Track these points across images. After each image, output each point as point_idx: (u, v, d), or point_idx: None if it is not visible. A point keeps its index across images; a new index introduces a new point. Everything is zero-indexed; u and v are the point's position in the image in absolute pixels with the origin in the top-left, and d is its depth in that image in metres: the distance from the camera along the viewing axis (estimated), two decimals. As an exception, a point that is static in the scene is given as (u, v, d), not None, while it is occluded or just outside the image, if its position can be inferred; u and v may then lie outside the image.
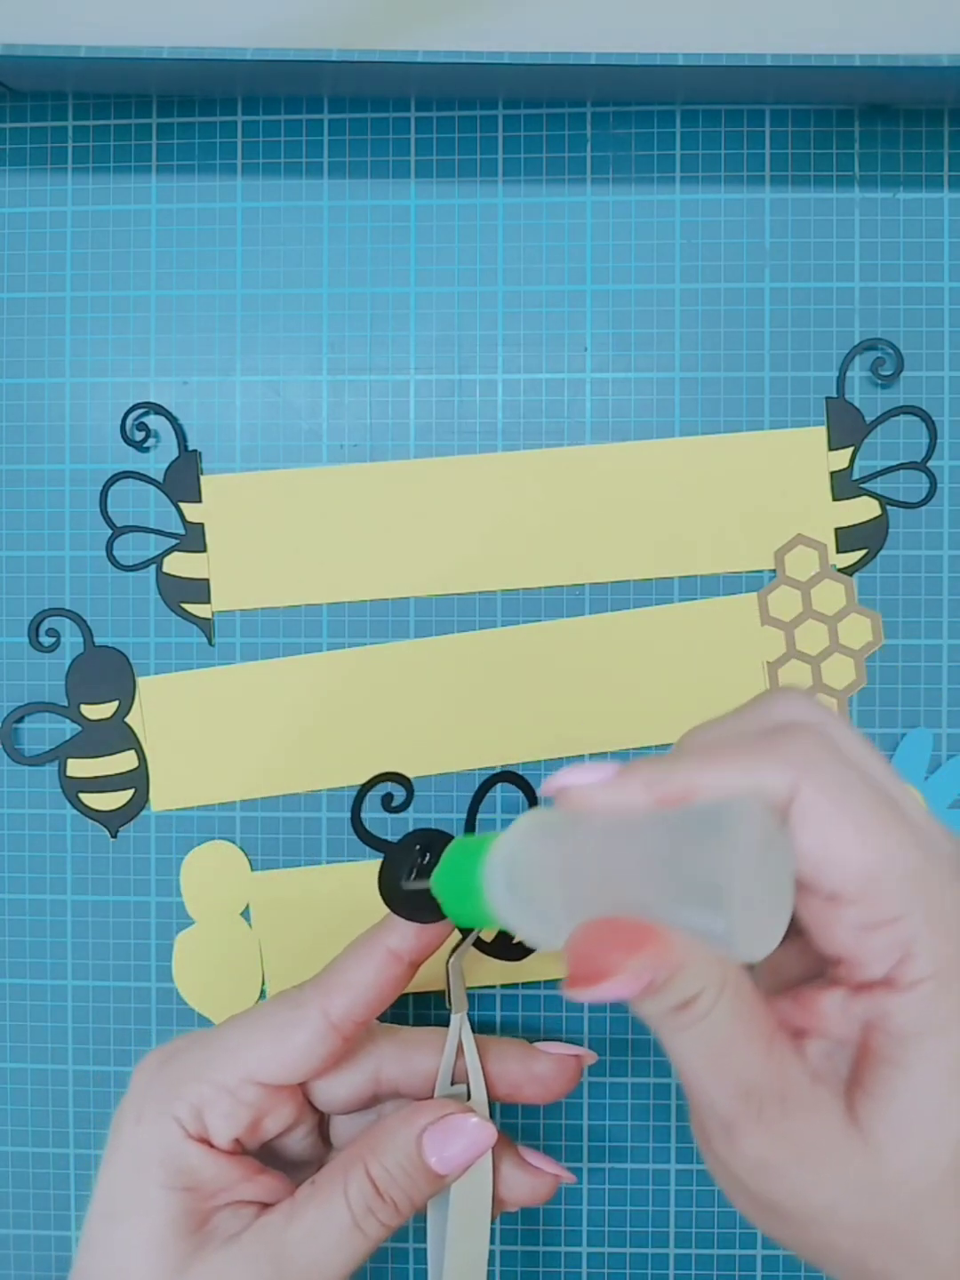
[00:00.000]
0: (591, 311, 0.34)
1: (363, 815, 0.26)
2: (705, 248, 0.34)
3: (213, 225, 0.35)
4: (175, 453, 0.35)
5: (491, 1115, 0.28)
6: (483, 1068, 0.28)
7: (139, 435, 0.35)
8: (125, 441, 0.35)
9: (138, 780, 0.34)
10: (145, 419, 0.35)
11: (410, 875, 0.26)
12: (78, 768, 0.35)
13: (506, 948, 0.28)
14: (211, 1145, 0.26)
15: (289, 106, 0.34)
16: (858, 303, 0.34)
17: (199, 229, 0.35)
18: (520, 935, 0.23)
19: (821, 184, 0.34)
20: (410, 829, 0.26)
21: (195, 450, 0.35)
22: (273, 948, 0.34)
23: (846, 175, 0.34)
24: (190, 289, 0.35)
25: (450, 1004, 0.28)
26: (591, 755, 0.34)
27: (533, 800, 0.27)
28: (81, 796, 0.35)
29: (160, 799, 0.35)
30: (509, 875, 0.23)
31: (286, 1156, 0.29)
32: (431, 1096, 0.28)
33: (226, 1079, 0.26)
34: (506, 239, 0.34)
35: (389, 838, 0.26)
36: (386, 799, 0.27)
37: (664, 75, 0.31)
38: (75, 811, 0.35)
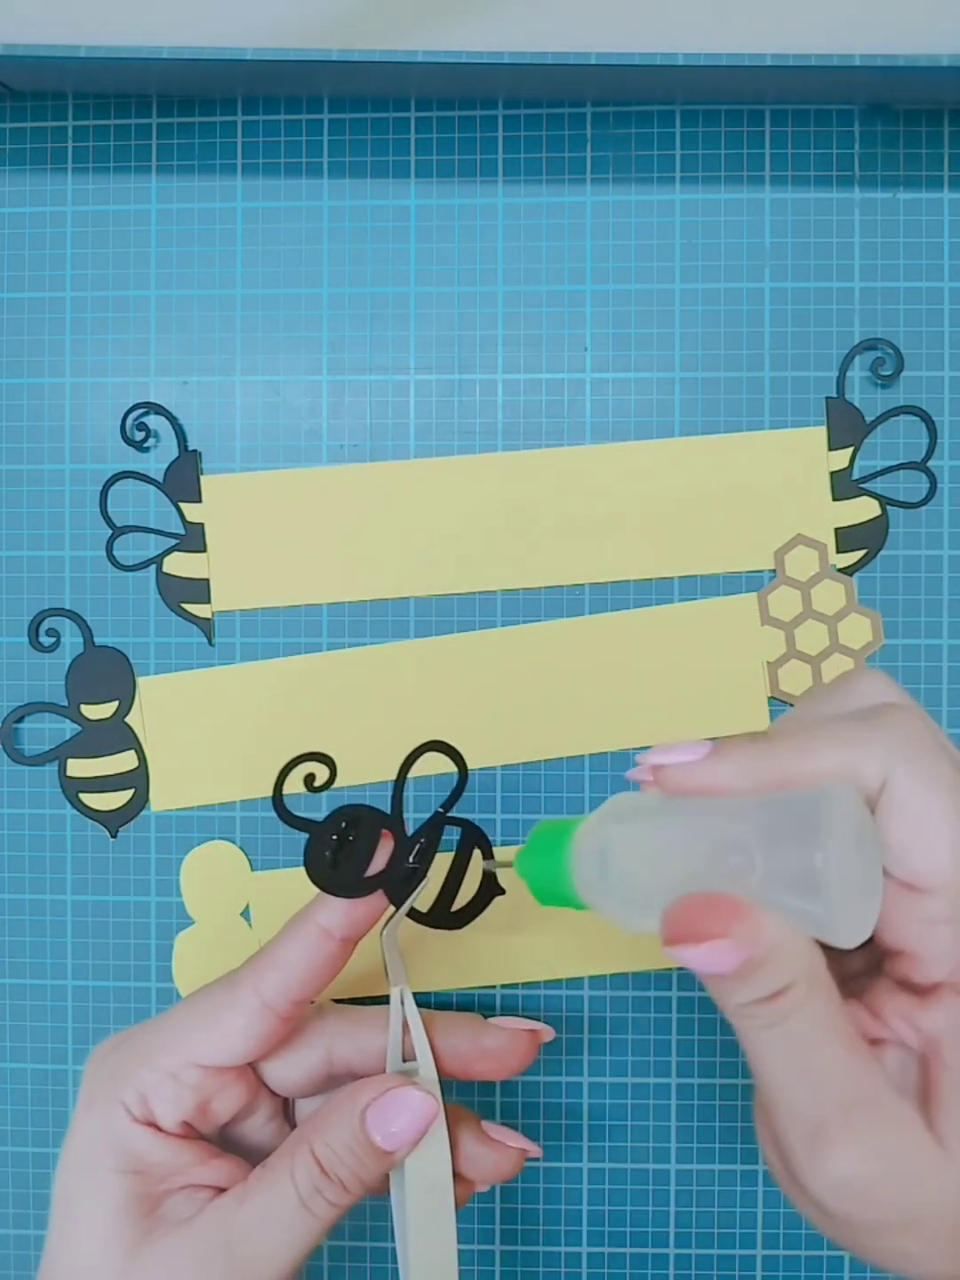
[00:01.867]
0: (591, 311, 0.34)
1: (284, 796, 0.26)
2: (705, 248, 0.34)
3: (213, 225, 0.35)
4: (175, 453, 0.35)
5: (448, 1092, 0.27)
6: (431, 1043, 0.27)
7: (139, 435, 0.35)
8: (125, 441, 0.35)
9: (138, 780, 0.34)
10: (145, 419, 0.35)
11: (335, 853, 0.26)
12: (78, 768, 0.35)
13: (444, 917, 0.28)
14: (160, 1129, 0.26)
15: (289, 107, 0.34)
16: (858, 303, 0.34)
17: (199, 229, 0.35)
18: (610, 919, 0.23)
19: (821, 184, 0.34)
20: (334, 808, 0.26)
21: (195, 450, 0.35)
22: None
23: (846, 175, 0.34)
24: (190, 289, 0.35)
25: (388, 978, 0.28)
26: (591, 755, 0.34)
27: (464, 770, 0.27)
28: (81, 796, 0.35)
29: (160, 799, 0.35)
30: (598, 858, 0.23)
31: (251, 1141, 0.28)
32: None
33: (169, 1063, 0.26)
34: (506, 239, 0.34)
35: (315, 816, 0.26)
36: (308, 778, 0.26)
37: (664, 75, 0.31)
38: (75, 811, 0.35)
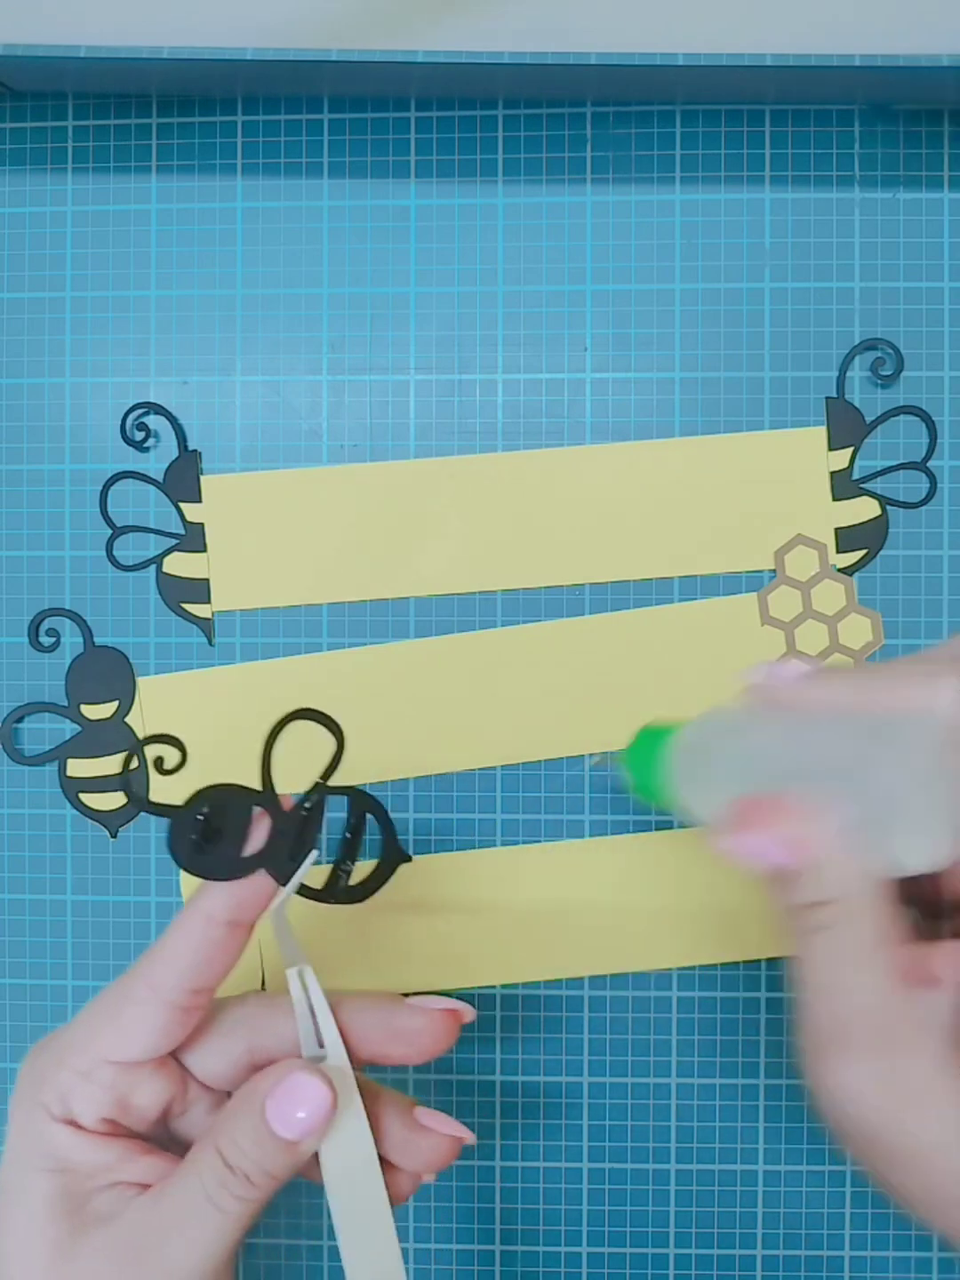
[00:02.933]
0: (591, 311, 0.34)
1: (133, 783, 0.25)
2: (705, 248, 0.34)
3: (213, 225, 0.35)
4: (175, 453, 0.35)
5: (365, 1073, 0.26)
6: (339, 1026, 0.26)
7: (139, 435, 0.35)
8: (125, 441, 0.35)
9: (138, 781, 0.34)
10: (145, 419, 0.35)
11: (200, 836, 0.25)
12: (78, 768, 0.35)
13: (336, 892, 0.27)
14: (82, 1127, 0.25)
15: (289, 106, 0.34)
16: (858, 303, 0.34)
17: (199, 229, 0.35)
18: (698, 814, 0.24)
19: (821, 184, 0.34)
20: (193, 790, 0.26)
21: (195, 450, 0.35)
22: (273, 948, 0.34)
23: (846, 175, 0.34)
24: (190, 289, 0.35)
25: (284, 959, 0.26)
26: (591, 756, 0.34)
27: (340, 737, 0.26)
28: (81, 796, 0.35)
29: (160, 799, 0.34)
30: (699, 755, 0.24)
31: (192, 1135, 0.27)
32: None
33: (80, 1063, 0.25)
34: (506, 239, 0.34)
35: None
36: (158, 761, 0.26)
37: (664, 75, 0.31)
38: (75, 811, 0.35)
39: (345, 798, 0.27)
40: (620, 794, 0.34)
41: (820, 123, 0.34)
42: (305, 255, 0.34)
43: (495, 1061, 0.34)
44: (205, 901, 0.25)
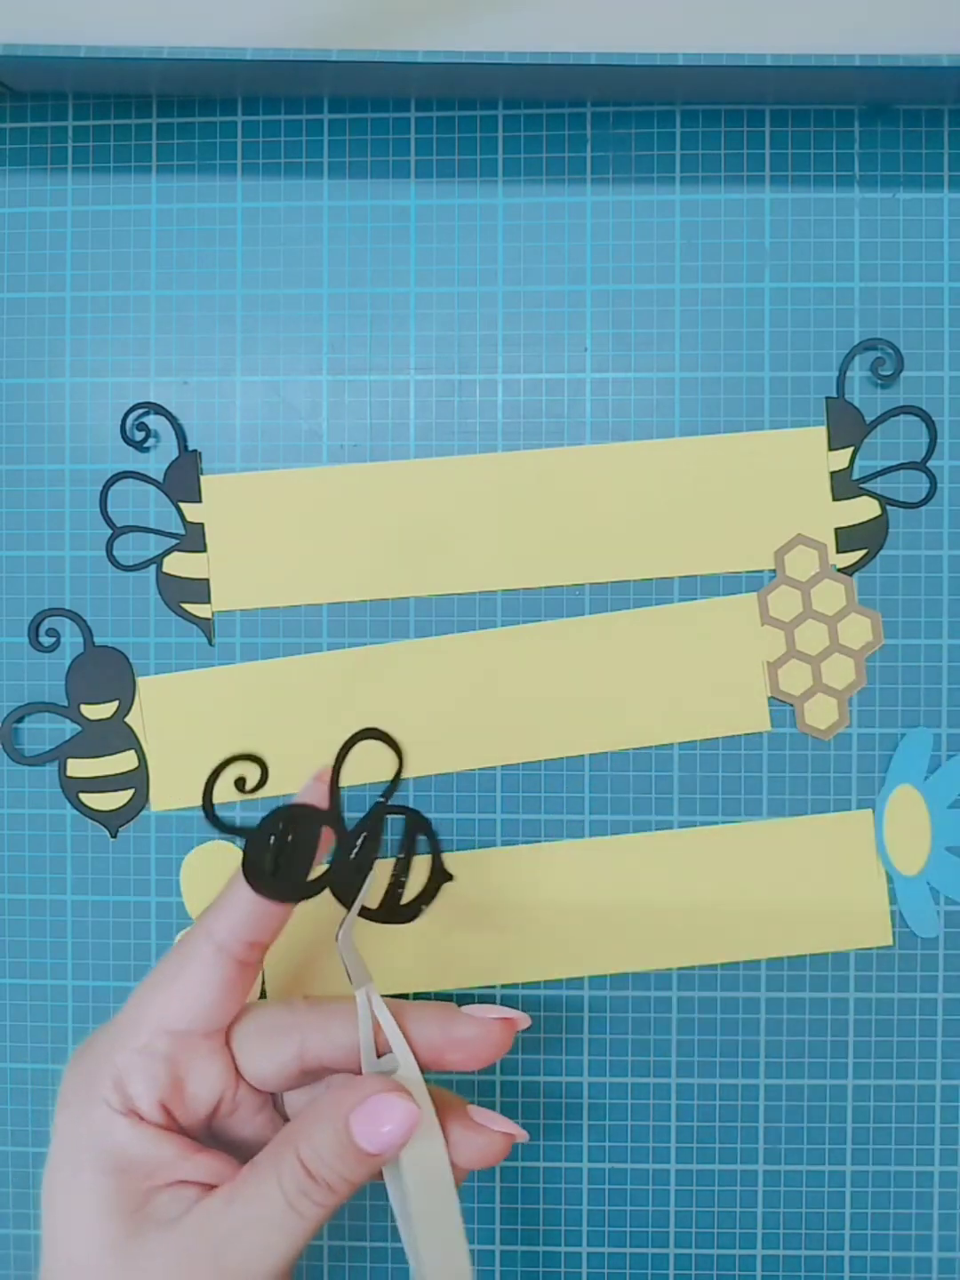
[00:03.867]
0: (591, 311, 0.34)
1: (215, 803, 0.25)
2: (705, 248, 0.34)
3: (213, 225, 0.35)
4: (175, 453, 0.35)
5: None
6: (405, 1037, 0.27)
7: (139, 435, 0.35)
8: (125, 441, 0.35)
9: (138, 780, 0.34)
10: (145, 419, 0.35)
11: (274, 857, 0.25)
12: (78, 768, 0.35)
13: (394, 911, 0.27)
14: (140, 1117, 0.26)
15: (289, 107, 0.34)
16: (858, 303, 0.34)
17: (199, 229, 0.35)
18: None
19: (821, 184, 0.34)
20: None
21: (195, 450, 0.35)
22: (272, 947, 0.34)
23: (846, 175, 0.34)
24: (190, 289, 0.35)
25: (350, 981, 0.27)
26: (591, 755, 0.34)
27: (400, 758, 0.26)
28: (81, 796, 0.35)
29: (160, 799, 0.35)
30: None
31: (239, 1135, 0.28)
32: (358, 1070, 0.27)
33: (137, 1040, 0.26)
34: (506, 239, 0.34)
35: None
36: (239, 782, 0.26)
37: (664, 75, 0.31)
38: (75, 811, 0.35)
39: (400, 817, 0.27)
40: (622, 794, 0.34)
41: (820, 123, 0.34)
42: (305, 255, 0.34)
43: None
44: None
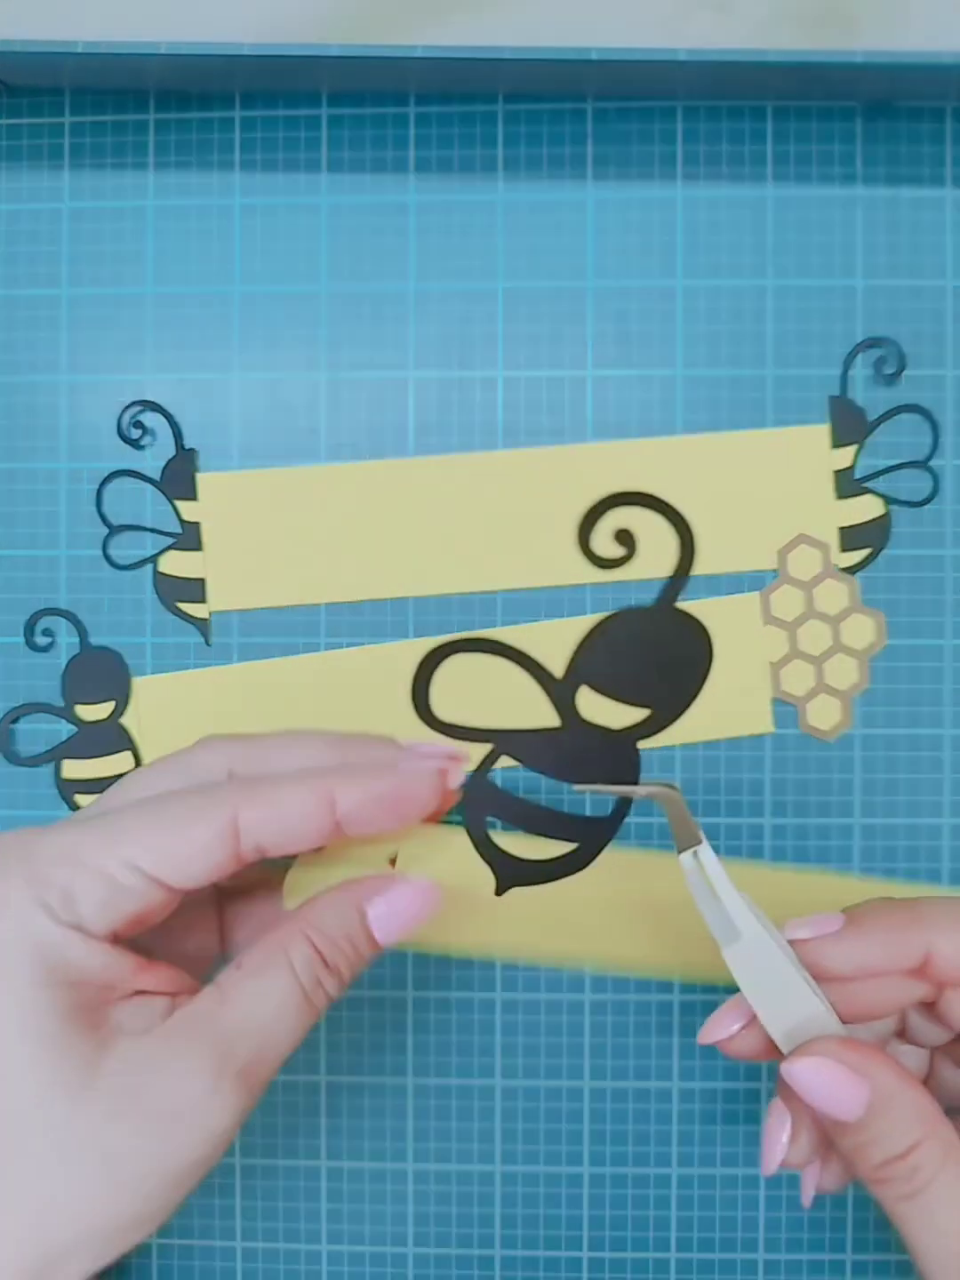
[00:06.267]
0: (592, 309, 0.34)
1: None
2: (707, 245, 0.34)
3: (210, 222, 0.34)
4: (172, 451, 0.34)
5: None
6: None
7: (135, 433, 0.34)
8: (121, 439, 0.34)
9: (134, 781, 0.34)
10: (142, 417, 0.34)
11: None
12: (73, 769, 0.34)
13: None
14: (90, 935, 0.23)
15: (287, 102, 0.34)
16: (861, 301, 0.34)
17: (196, 225, 0.34)
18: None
19: (824, 182, 0.34)
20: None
21: (192, 448, 0.34)
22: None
23: (849, 173, 0.34)
24: (188, 286, 0.34)
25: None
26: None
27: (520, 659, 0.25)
28: (78, 798, 0.34)
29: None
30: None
31: (177, 949, 0.27)
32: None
33: (104, 861, 0.23)
34: (507, 235, 0.34)
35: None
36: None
37: (666, 71, 0.31)
38: (72, 813, 0.34)
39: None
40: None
41: (822, 120, 0.34)
42: (303, 252, 0.34)
43: (495, 1065, 0.34)
44: (339, 788, 0.25)
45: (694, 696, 0.22)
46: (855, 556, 0.34)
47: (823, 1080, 0.22)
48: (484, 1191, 0.34)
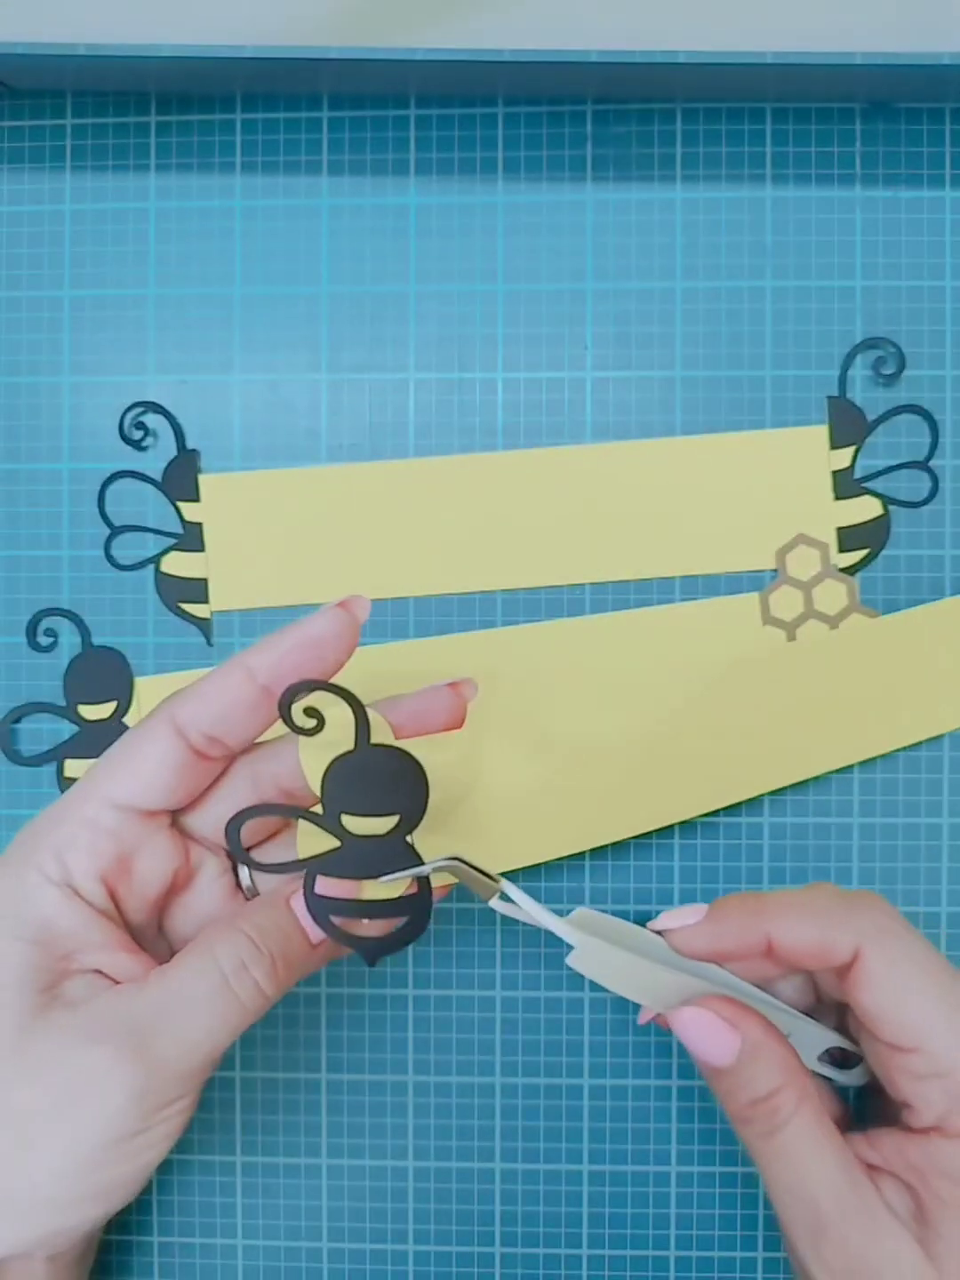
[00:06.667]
0: (592, 310, 0.34)
1: None
2: (706, 246, 0.34)
3: (211, 223, 0.35)
4: (173, 452, 0.35)
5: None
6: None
7: (137, 434, 0.34)
8: (123, 440, 0.35)
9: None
10: (143, 418, 0.35)
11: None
12: (76, 769, 0.34)
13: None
14: (75, 892, 0.24)
15: (288, 104, 0.34)
16: (859, 301, 0.34)
17: (197, 227, 0.35)
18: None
19: (823, 182, 0.34)
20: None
21: (193, 449, 0.35)
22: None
23: (848, 174, 0.34)
24: (189, 287, 0.35)
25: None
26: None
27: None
28: (79, 797, 0.34)
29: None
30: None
31: (193, 929, 0.27)
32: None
33: (84, 810, 0.25)
34: (506, 237, 0.34)
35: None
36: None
37: (665, 73, 0.31)
38: (73, 812, 0.35)
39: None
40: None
41: (821, 121, 0.34)
42: (304, 253, 0.34)
43: (495, 1063, 0.34)
44: (252, 657, 0.26)
45: (425, 801, 0.26)
46: (854, 557, 0.34)
47: (703, 1028, 0.25)
48: (484, 1189, 0.34)
